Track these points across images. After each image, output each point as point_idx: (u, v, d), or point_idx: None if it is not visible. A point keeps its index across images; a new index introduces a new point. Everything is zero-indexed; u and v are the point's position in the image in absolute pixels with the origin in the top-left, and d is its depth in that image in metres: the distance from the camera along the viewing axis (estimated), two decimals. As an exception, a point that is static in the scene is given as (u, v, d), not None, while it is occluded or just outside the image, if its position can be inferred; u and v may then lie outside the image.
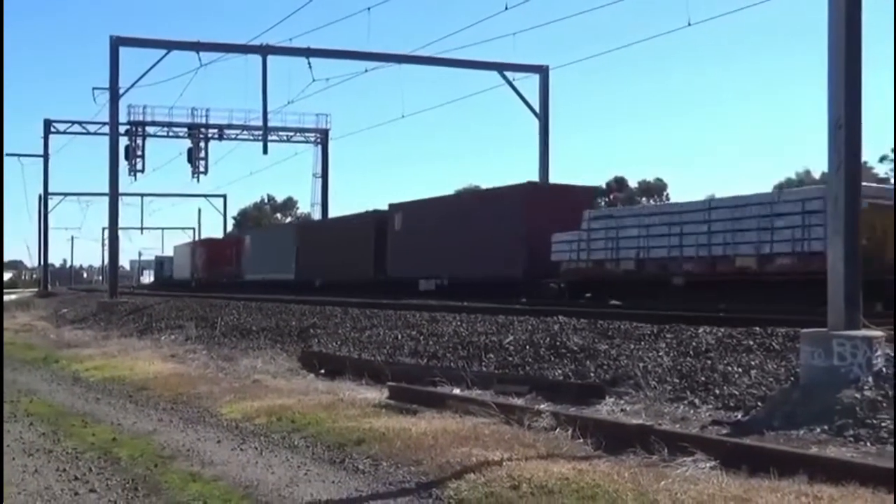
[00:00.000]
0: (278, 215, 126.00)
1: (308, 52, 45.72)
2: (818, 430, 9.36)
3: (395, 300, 29.44)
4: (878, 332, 10.88)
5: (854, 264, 11.20)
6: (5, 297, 42.65)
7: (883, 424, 9.12)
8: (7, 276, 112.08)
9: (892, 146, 20.20)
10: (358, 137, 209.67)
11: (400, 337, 19.15)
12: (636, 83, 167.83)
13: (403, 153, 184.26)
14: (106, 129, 50.94)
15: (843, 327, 10.91)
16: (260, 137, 58.15)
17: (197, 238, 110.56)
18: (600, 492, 7.34)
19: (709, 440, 8.79)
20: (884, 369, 10.39)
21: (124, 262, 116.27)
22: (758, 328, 14.09)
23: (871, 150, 77.27)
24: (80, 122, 72.91)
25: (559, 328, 16.79)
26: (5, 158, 58.01)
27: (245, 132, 69.01)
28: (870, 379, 10.19)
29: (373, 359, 17.07)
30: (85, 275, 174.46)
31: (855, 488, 6.99)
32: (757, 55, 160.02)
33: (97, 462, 9.84)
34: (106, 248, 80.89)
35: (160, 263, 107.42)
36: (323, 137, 73.94)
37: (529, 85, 49.15)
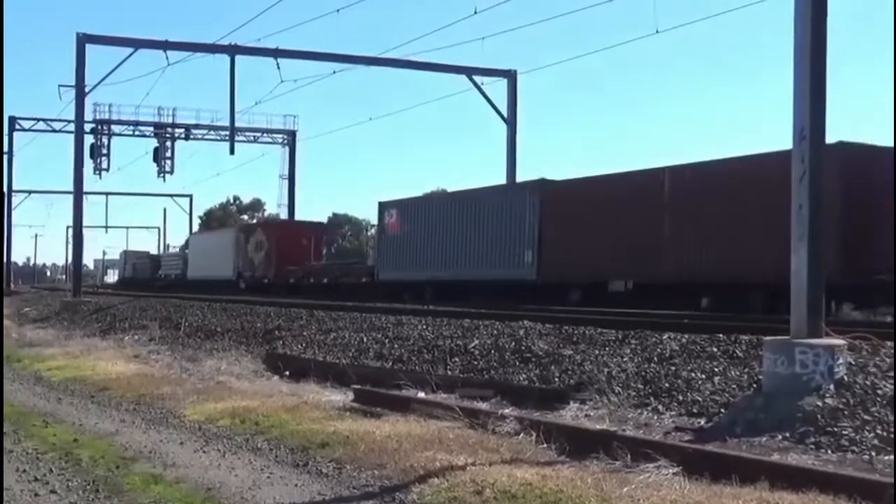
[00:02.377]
0: (244, 216, 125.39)
1: (276, 53, 45.59)
2: (780, 437, 9.43)
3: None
4: (839, 341, 10.97)
5: (817, 272, 11.30)
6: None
7: (844, 433, 9.20)
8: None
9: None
10: (325, 139, 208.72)
11: (365, 340, 19.13)
12: (604, 89, 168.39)
13: (371, 156, 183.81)
14: (71, 126, 50.51)
15: (805, 335, 11.00)
16: (227, 137, 57.90)
17: (162, 237, 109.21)
18: (563, 497, 7.36)
19: (672, 446, 8.82)
20: (845, 377, 10.49)
21: (88, 260, 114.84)
22: (721, 335, 14.19)
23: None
24: (45, 120, 72.13)
25: (524, 333, 16.83)
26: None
27: (212, 132, 68.66)
28: (831, 387, 10.27)
29: (338, 361, 17.04)
30: (48, 273, 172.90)
31: (815, 495, 7.04)
32: (723, 64, 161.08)
33: (58, 463, 9.75)
34: (70, 246, 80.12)
35: (153, 261, 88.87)
36: (290, 138, 73.62)
37: (498, 89, 49.27)
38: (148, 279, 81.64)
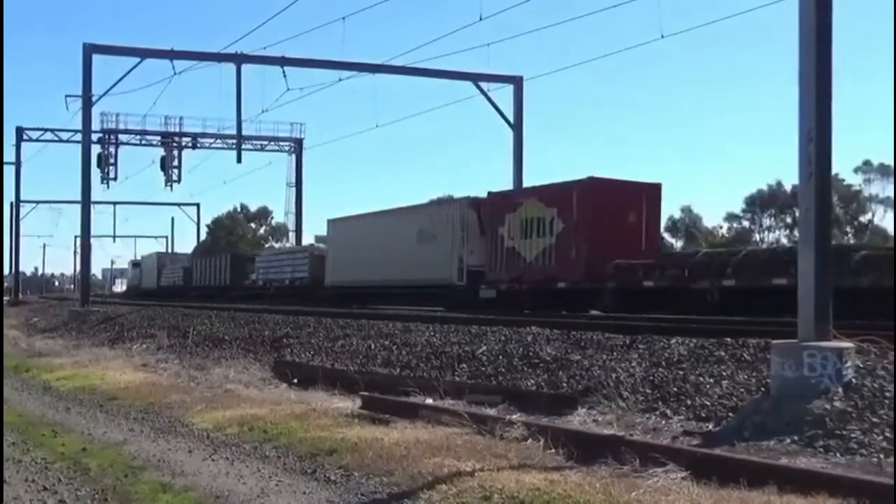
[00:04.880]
0: (252, 224, 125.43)
1: (282, 61, 45.63)
2: (788, 440, 9.41)
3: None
4: (847, 344, 10.95)
5: (824, 276, 11.28)
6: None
7: (852, 436, 9.18)
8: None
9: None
10: (332, 146, 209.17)
11: (373, 347, 19.13)
12: (609, 94, 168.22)
13: (377, 162, 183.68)
14: (78, 136, 50.67)
15: (813, 339, 10.97)
16: (234, 146, 58.11)
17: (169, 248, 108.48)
18: (571, 502, 7.37)
19: (680, 451, 8.83)
20: (853, 380, 10.47)
21: (96, 270, 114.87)
22: (729, 339, 14.15)
23: (843, 161, 78.21)
24: (52, 130, 72.29)
25: (532, 338, 16.81)
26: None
27: (219, 141, 68.79)
28: (839, 390, 10.26)
29: (345, 368, 17.04)
30: (56, 283, 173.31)
31: (824, 499, 7.03)
32: (729, 67, 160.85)
33: (67, 472, 9.78)
34: (78, 256, 79.98)
35: (233, 262, 63.76)
36: (297, 146, 73.77)
37: (504, 95, 49.25)
38: (220, 288, 62.19)
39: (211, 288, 64.26)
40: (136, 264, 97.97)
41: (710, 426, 10.56)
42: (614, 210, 30.40)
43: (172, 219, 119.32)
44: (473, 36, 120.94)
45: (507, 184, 47.24)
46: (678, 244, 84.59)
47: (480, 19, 34.80)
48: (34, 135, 74.44)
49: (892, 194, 73.81)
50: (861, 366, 10.95)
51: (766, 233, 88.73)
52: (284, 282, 53.13)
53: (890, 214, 71.45)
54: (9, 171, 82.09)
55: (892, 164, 67.11)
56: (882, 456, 8.63)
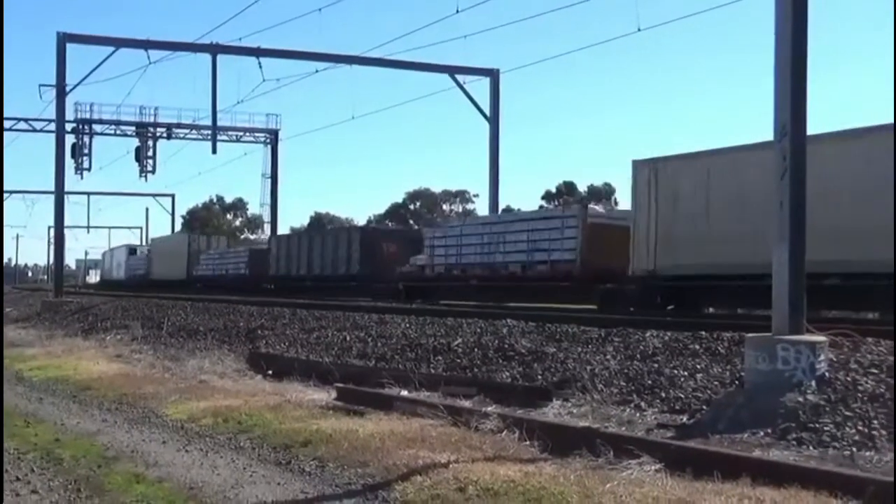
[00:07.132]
0: (228, 216, 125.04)
1: (258, 52, 45.51)
2: (762, 433, 9.46)
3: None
4: (821, 337, 11.02)
5: (798, 270, 11.33)
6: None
7: (825, 429, 9.24)
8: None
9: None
10: (308, 138, 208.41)
11: (348, 338, 19.10)
12: (587, 87, 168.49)
13: (353, 154, 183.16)
14: (52, 126, 50.33)
15: (787, 332, 11.04)
16: (209, 137, 57.83)
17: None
18: (546, 494, 7.37)
19: (654, 443, 8.85)
20: (826, 374, 10.54)
21: (70, 261, 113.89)
22: (704, 332, 14.22)
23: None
24: (25, 119, 71.62)
25: (507, 331, 16.84)
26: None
27: (194, 131, 68.40)
28: (813, 383, 10.33)
29: (321, 360, 17.00)
30: (30, 274, 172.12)
31: (797, 491, 7.06)
32: (705, 61, 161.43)
33: (39, 463, 9.71)
34: (51, 246, 79.36)
35: (367, 239, 44.90)
36: (273, 138, 73.44)
37: (480, 87, 49.24)
38: (338, 278, 44.53)
39: (308, 279, 47.14)
40: (133, 250, 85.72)
41: (685, 419, 10.60)
42: None
43: (147, 210, 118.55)
44: (450, 28, 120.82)
45: (484, 175, 47.11)
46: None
47: (457, 11, 34.87)
48: (7, 124, 73.75)
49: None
50: (834, 359, 11.04)
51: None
52: (504, 269, 31.89)
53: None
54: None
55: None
56: (854, 449, 8.69)
